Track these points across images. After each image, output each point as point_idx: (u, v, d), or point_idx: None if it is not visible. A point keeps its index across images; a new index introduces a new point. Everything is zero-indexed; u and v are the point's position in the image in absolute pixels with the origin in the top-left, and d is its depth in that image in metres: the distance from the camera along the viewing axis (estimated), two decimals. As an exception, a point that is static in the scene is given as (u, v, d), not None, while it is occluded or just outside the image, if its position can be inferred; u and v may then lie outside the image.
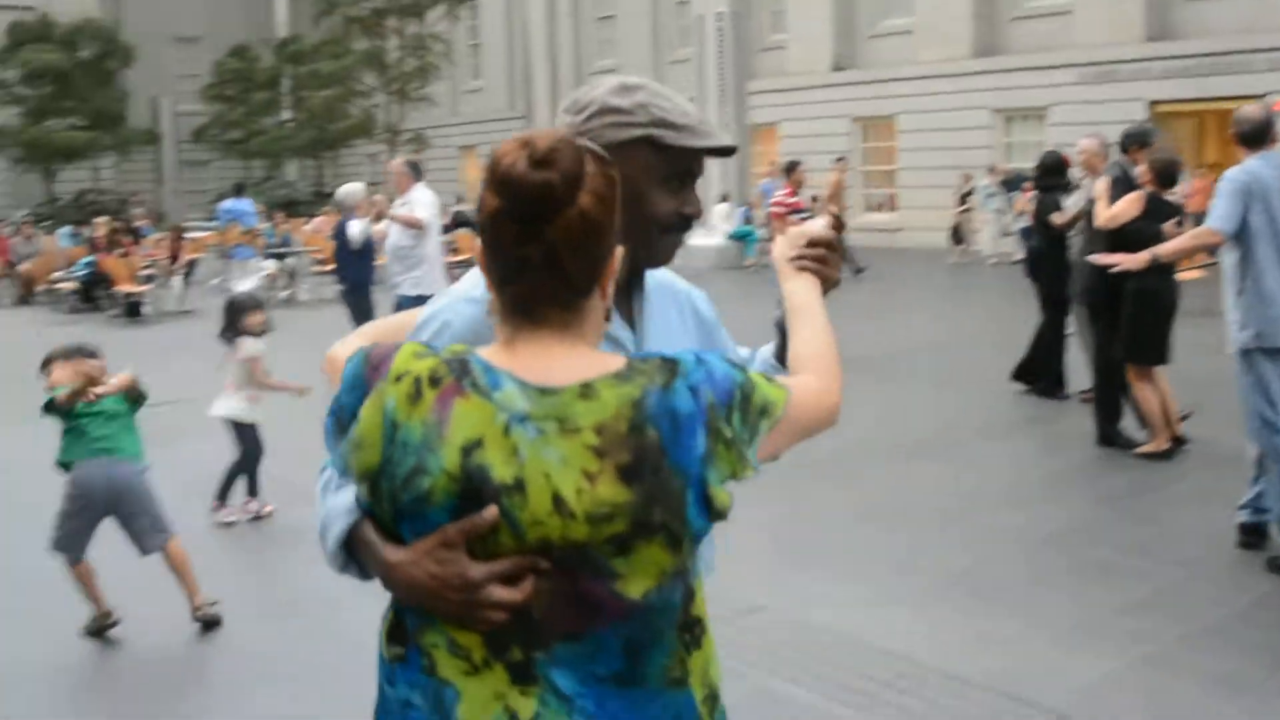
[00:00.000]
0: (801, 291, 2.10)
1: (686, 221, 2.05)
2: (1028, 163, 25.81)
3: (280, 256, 21.97)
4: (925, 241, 27.65)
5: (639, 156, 1.97)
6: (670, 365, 1.71)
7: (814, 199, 24.92)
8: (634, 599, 1.68)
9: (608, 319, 1.83)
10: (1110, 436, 8.34)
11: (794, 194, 13.10)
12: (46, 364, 5.72)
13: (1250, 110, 6.25)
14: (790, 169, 13.36)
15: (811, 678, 4.88)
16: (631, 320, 2.11)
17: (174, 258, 20.35)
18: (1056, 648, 5.10)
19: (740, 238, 25.19)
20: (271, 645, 5.52)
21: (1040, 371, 10.06)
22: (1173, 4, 25.75)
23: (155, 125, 44.96)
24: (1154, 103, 25.61)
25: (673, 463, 1.66)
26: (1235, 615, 5.41)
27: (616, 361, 1.73)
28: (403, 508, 1.67)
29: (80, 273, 20.02)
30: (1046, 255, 9.66)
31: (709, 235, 24.71)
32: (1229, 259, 6.15)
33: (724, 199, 26.71)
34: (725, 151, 2.03)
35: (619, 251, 1.76)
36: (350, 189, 11.28)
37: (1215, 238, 6.12)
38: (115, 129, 40.95)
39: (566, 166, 1.66)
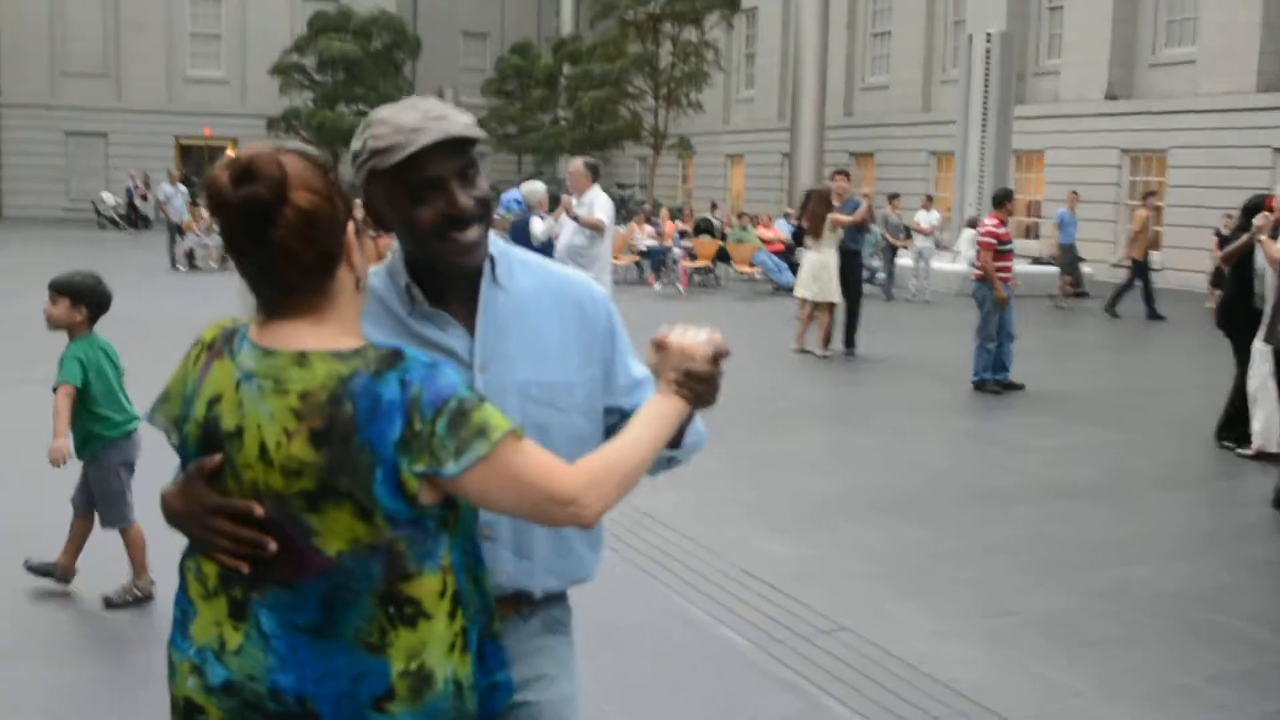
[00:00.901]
0: (661, 405, 2.10)
1: (455, 219, 2.12)
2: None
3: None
4: (1188, 283, 26.41)
5: (376, 187, 2.14)
6: (393, 357, 1.88)
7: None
8: (329, 556, 1.86)
9: (359, 288, 1.99)
10: None
11: (1003, 224, 12.76)
12: None
13: None
14: (1001, 200, 12.99)
15: (865, 700, 4.87)
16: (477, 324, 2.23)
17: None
18: (1119, 705, 4.92)
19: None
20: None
21: (1240, 424, 9.60)
22: None
23: (440, 115, 46.81)
24: None
25: (364, 439, 1.83)
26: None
27: (349, 342, 1.92)
28: (185, 450, 1.98)
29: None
30: (1238, 302, 9.21)
31: (954, 261, 24.21)
32: None
33: (972, 224, 26.12)
34: (451, 144, 2.09)
35: (350, 231, 1.95)
36: (532, 186, 11.61)
37: None
38: (399, 117, 42.81)
39: (268, 175, 1.84)
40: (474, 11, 54.88)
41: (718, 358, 2.10)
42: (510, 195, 12.56)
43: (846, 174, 15.55)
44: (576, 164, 11.24)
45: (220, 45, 47.58)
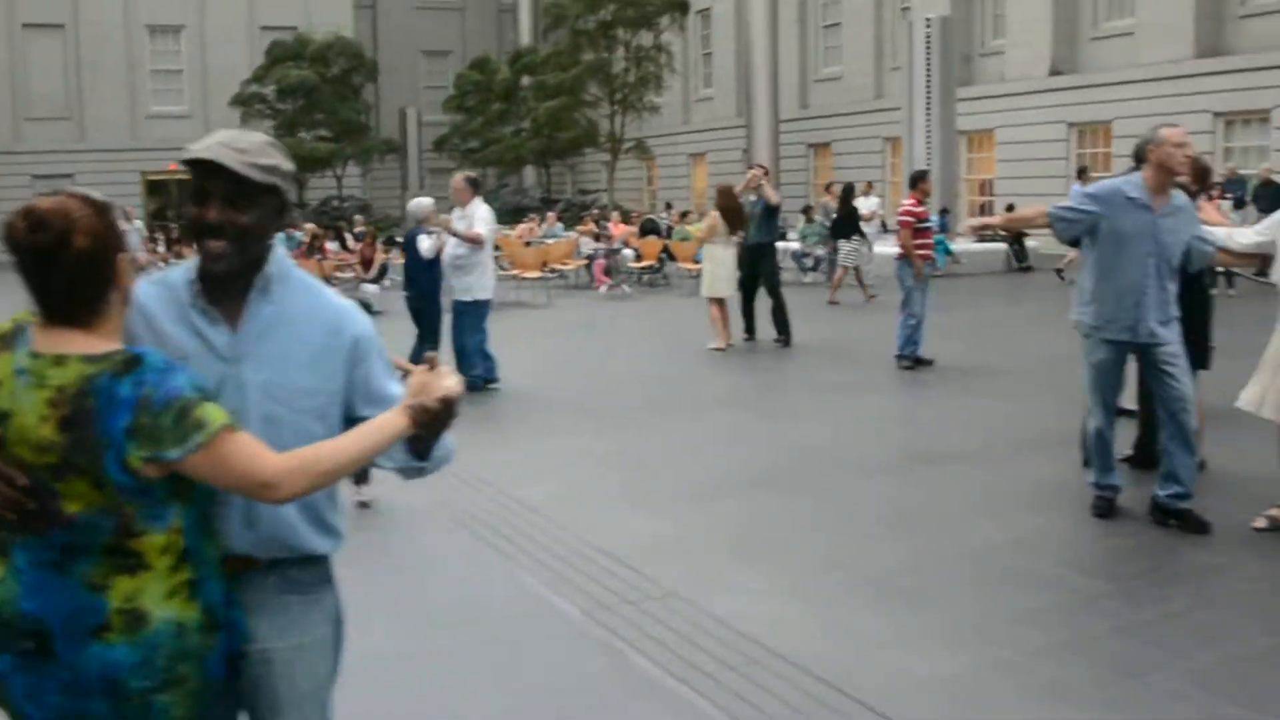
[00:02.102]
0: (386, 421, 2.57)
1: (201, 228, 2.58)
2: (1249, 169, 24.77)
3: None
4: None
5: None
6: (133, 362, 2.39)
7: (944, 210, 24.74)
8: (70, 514, 2.39)
9: (125, 302, 2.52)
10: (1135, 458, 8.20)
11: (919, 203, 13.08)
12: None
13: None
14: (915, 180, 13.32)
15: (672, 655, 5.15)
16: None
17: (366, 263, 21.49)
18: (916, 649, 5.20)
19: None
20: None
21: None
22: None
23: (402, 135, 47.17)
24: (1385, 105, 24.16)
25: (100, 427, 2.34)
26: (1124, 628, 5.39)
27: (104, 347, 2.41)
28: None
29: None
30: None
31: (886, 244, 24.50)
32: None
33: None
34: (216, 167, 2.53)
35: (124, 260, 2.46)
36: (419, 203, 11.92)
37: None
38: (358, 139, 43.14)
39: (56, 225, 2.36)
40: (434, 31, 55.30)
41: (448, 403, 2.56)
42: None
43: (763, 167, 15.82)
44: (458, 178, 11.93)
45: (182, 80, 47.87)
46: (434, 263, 11.46)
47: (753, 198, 14.77)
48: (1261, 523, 6.73)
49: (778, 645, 5.21)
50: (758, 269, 14.79)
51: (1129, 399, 9.38)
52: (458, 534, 7.20)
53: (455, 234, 11.46)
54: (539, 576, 6.34)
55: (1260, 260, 6.94)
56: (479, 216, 11.51)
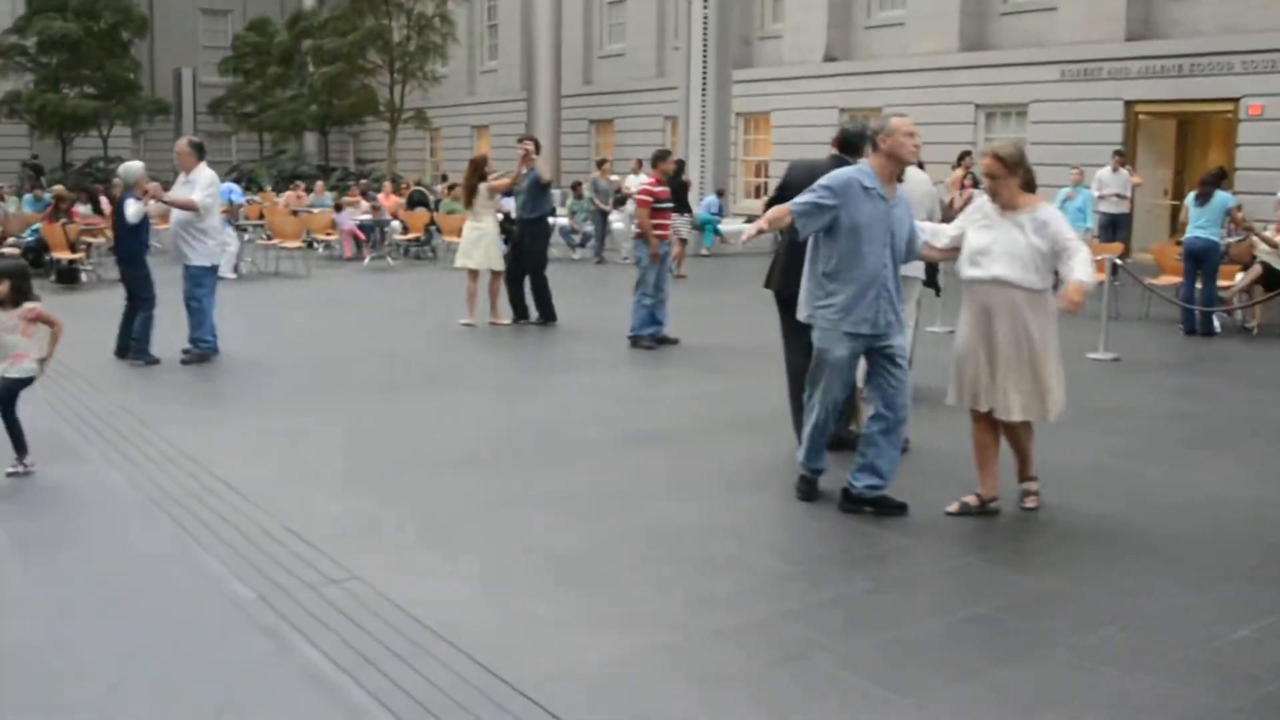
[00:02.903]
0: None
1: None
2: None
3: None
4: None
5: None
6: None
7: (719, 191, 25.25)
8: None
9: None
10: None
11: (659, 183, 13.10)
12: None
13: None
14: (656, 160, 13.31)
15: (338, 640, 5.02)
16: None
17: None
18: (589, 634, 5.17)
19: (700, 226, 25.10)
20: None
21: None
22: (1154, 3, 25.37)
23: (177, 96, 45.50)
24: (1130, 102, 25.30)
25: None
26: (799, 612, 5.46)
27: None
28: None
29: (28, 239, 20.37)
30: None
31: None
32: None
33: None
34: None
35: None
36: (129, 167, 11.83)
37: None
38: (127, 99, 41.42)
39: None
40: (214, -13, 53.52)
41: None
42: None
43: (533, 139, 15.63)
44: (181, 143, 11.87)
45: (-63, 29, 45.32)
46: (139, 227, 11.49)
47: (525, 170, 14.54)
48: (954, 507, 6.92)
49: (450, 632, 5.11)
50: (522, 245, 14.64)
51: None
52: (150, 513, 6.92)
53: (163, 201, 11.51)
54: (223, 559, 6.11)
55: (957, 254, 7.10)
56: (202, 180, 11.47)
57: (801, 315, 7.11)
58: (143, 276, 11.58)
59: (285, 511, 6.86)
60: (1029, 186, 6.80)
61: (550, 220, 15.84)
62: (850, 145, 7.74)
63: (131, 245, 11.61)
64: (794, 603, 5.55)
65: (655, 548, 6.34)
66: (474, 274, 14.49)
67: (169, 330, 11.95)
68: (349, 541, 6.36)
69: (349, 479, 7.66)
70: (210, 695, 4.59)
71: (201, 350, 11.61)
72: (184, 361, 11.49)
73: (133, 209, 11.17)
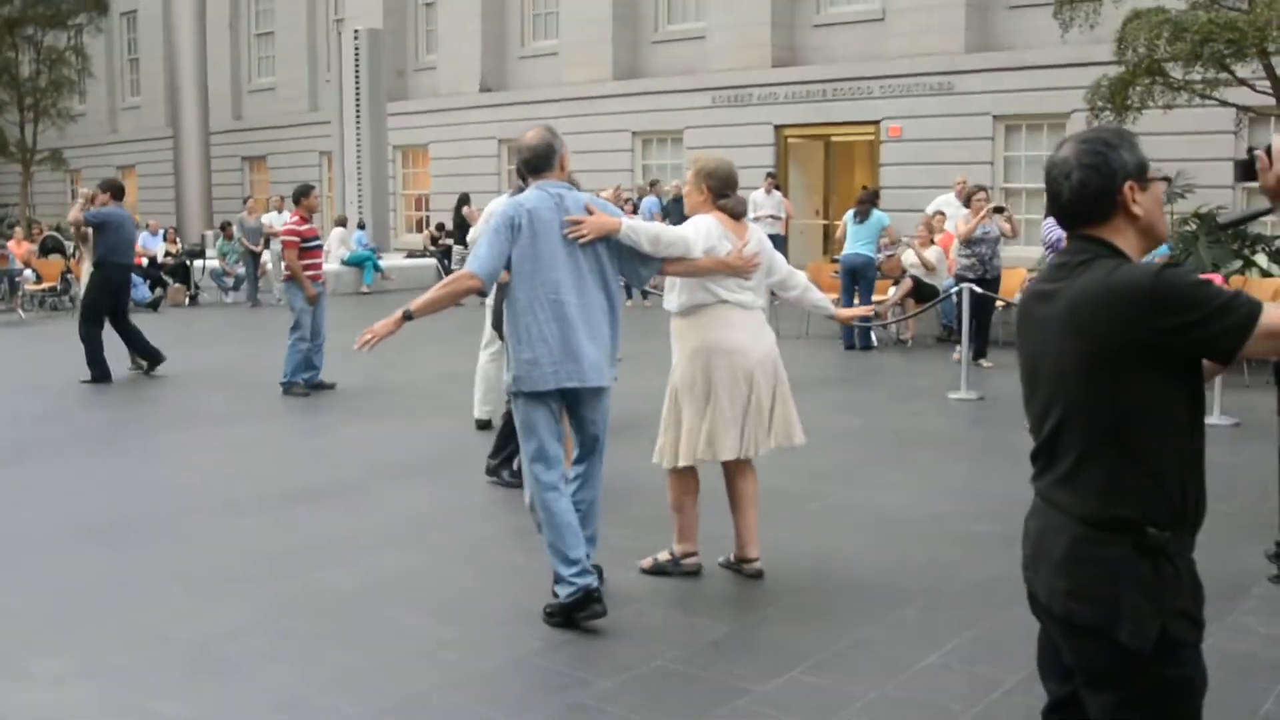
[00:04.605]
0: None
1: None
2: (666, 184, 25.90)
3: None
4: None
5: None
6: None
7: (361, 224, 24.83)
8: None
9: None
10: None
11: (305, 221, 12.34)
12: None
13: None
14: (298, 196, 12.42)
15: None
16: None
17: None
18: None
19: (357, 263, 24.26)
20: None
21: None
22: (797, 31, 26.24)
23: None
24: (780, 126, 26.03)
25: None
26: (457, 684, 4.95)
27: None
28: None
29: None
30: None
31: (325, 260, 23.79)
32: None
33: (340, 223, 25.79)
34: None
35: None
36: None
37: None
38: None
39: None
40: None
41: None
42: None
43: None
44: None
45: None
46: None
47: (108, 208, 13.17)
48: (647, 563, 6.48)
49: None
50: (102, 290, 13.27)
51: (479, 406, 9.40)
52: None
53: None
54: None
55: None
56: None
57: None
58: None
59: None
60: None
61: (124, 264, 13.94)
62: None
63: None
64: (455, 673, 5.05)
65: (304, 621, 5.69)
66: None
67: None
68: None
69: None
70: None
71: None
72: None
73: None
